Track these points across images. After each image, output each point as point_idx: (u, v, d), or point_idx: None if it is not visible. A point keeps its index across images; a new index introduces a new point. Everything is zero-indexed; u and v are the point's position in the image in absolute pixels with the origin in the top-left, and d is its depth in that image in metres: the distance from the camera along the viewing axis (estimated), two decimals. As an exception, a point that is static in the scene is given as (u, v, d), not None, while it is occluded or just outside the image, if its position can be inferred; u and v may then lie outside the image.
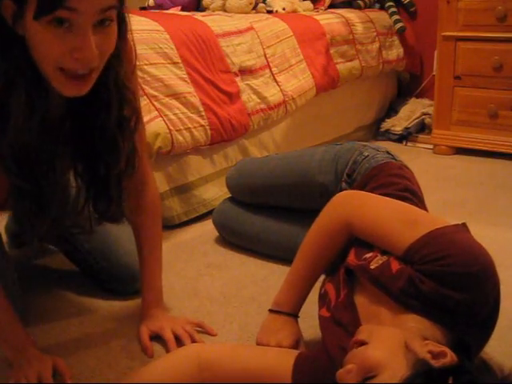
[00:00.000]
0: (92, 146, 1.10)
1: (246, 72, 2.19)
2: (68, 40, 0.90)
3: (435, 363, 0.84)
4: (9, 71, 0.94)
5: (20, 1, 0.90)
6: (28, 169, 1.01)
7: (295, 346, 1.16)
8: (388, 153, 1.41)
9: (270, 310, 1.22)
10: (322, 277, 1.21)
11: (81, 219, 1.17)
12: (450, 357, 0.85)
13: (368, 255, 1.07)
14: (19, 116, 0.96)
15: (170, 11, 2.71)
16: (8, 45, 0.94)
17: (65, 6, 0.87)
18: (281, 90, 2.33)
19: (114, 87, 1.05)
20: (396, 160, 1.39)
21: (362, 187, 1.30)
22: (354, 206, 1.15)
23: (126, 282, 1.45)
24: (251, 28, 2.29)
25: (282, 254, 1.64)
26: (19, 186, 1.02)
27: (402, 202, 1.16)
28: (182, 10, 2.78)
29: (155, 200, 1.35)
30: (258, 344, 1.18)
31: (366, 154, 1.40)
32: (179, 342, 1.22)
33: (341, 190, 1.38)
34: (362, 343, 0.91)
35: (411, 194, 1.23)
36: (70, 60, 0.92)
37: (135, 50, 1.17)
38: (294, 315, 1.21)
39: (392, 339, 0.90)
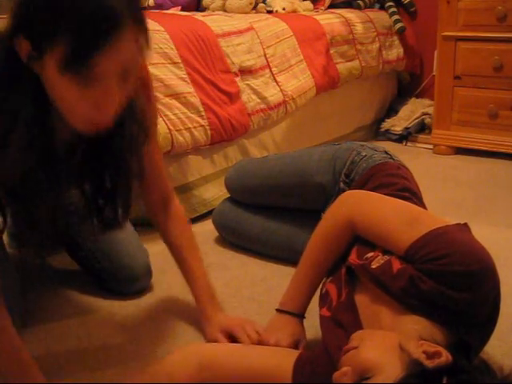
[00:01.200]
0: (101, 165, 1.09)
1: (245, 72, 2.19)
2: (92, 95, 0.90)
3: (429, 363, 0.84)
4: (15, 103, 0.93)
5: (39, 46, 0.88)
6: (22, 192, 1.00)
7: (294, 346, 1.16)
8: (386, 152, 1.41)
9: (277, 310, 1.23)
10: (322, 277, 1.21)
11: (85, 229, 1.18)
12: (445, 357, 0.85)
13: (369, 255, 1.07)
14: (17, 150, 0.94)
15: (170, 11, 2.71)
16: (19, 78, 0.93)
17: (93, 62, 0.86)
18: (281, 90, 2.33)
19: (128, 113, 1.03)
20: (394, 160, 1.39)
21: (360, 187, 1.30)
22: (356, 205, 1.15)
23: (127, 282, 1.45)
24: (251, 28, 2.29)
25: (281, 254, 1.64)
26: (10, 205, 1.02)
27: (404, 202, 1.16)
28: (182, 10, 2.78)
29: (180, 208, 1.35)
30: (259, 342, 1.18)
31: (364, 153, 1.40)
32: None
33: (339, 190, 1.38)
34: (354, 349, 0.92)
35: (411, 194, 1.23)
36: (96, 112, 0.92)
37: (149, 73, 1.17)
38: (299, 315, 1.21)
39: (385, 341, 0.90)
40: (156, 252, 1.50)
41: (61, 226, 1.12)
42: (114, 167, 1.10)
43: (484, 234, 1.10)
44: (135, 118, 1.07)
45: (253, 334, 1.19)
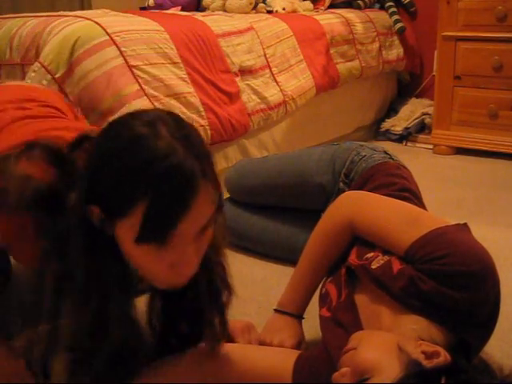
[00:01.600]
0: (178, 317, 1.05)
1: (245, 72, 2.19)
2: (168, 256, 0.85)
3: (428, 363, 0.84)
4: (99, 268, 0.88)
5: (112, 215, 0.84)
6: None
7: (297, 346, 1.16)
8: (385, 152, 1.42)
9: (275, 310, 1.23)
10: (323, 277, 1.21)
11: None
12: (444, 357, 0.85)
13: (369, 255, 1.07)
14: (116, 314, 0.90)
15: (170, 11, 2.71)
16: (95, 242, 0.88)
17: (173, 232, 0.82)
18: (281, 90, 2.33)
19: (204, 269, 0.96)
20: (393, 160, 1.39)
21: (359, 187, 1.30)
22: (356, 205, 1.15)
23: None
24: (251, 28, 2.29)
25: (281, 254, 1.64)
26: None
27: (404, 202, 1.16)
28: (182, 10, 2.78)
29: None
30: (260, 343, 1.18)
31: (364, 153, 1.40)
32: None
33: (338, 190, 1.38)
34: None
35: (410, 194, 1.23)
36: (172, 274, 0.88)
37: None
38: (298, 316, 1.21)
39: (384, 341, 0.90)
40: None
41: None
42: (193, 322, 1.05)
43: (484, 234, 1.10)
44: (213, 273, 1.01)
45: (252, 341, 1.17)
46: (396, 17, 3.13)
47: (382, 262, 1.03)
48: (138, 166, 0.80)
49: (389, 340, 0.90)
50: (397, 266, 1.00)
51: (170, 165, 0.80)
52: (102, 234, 0.87)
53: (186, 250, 0.86)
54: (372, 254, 1.07)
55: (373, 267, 1.03)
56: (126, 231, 0.84)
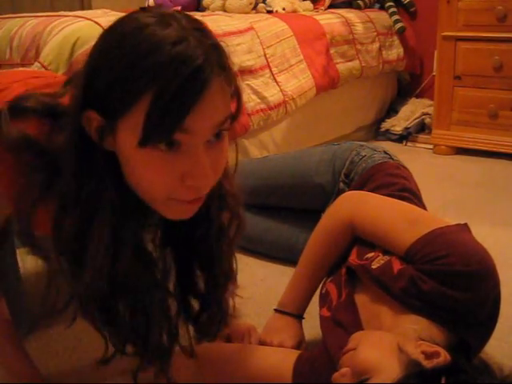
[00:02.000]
0: (187, 262, 0.95)
1: (245, 72, 2.19)
2: (178, 165, 0.74)
3: (428, 363, 0.84)
4: (92, 195, 0.77)
5: (112, 116, 0.73)
6: (116, 312, 0.85)
7: (297, 346, 1.16)
8: (385, 152, 1.42)
9: (275, 310, 1.23)
10: (322, 277, 1.21)
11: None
12: (444, 357, 0.85)
13: (370, 255, 1.07)
14: (97, 256, 0.79)
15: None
16: (91, 161, 0.77)
17: (181, 128, 0.72)
18: (281, 90, 2.33)
19: (217, 198, 0.88)
20: (393, 159, 1.39)
21: (360, 187, 1.31)
22: (356, 205, 1.15)
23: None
24: (251, 28, 2.29)
25: (281, 254, 1.64)
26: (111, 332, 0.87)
27: (404, 202, 1.16)
28: (182, 10, 2.78)
29: None
30: (260, 343, 1.18)
31: (363, 153, 1.40)
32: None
33: (338, 190, 1.38)
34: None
35: (410, 194, 1.23)
36: (182, 189, 0.76)
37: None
38: (299, 316, 1.21)
39: (383, 342, 0.90)
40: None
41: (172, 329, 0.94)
42: (205, 262, 0.95)
43: (484, 234, 1.10)
44: (225, 205, 0.92)
45: (253, 344, 1.15)
46: (396, 17, 3.13)
47: (382, 262, 1.03)
48: (142, 53, 0.70)
49: (389, 340, 0.90)
50: (397, 266, 1.00)
51: (178, 52, 0.70)
52: (100, 152, 0.77)
53: (199, 158, 0.74)
54: (372, 253, 1.07)
55: (373, 267, 1.03)
56: (129, 134, 0.73)
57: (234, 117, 0.80)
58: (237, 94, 0.82)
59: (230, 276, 1.00)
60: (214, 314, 0.99)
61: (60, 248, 0.83)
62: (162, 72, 0.70)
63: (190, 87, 0.70)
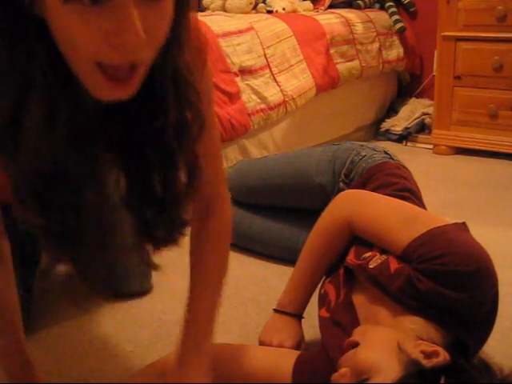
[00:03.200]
0: (142, 160, 0.82)
1: (245, 72, 2.19)
2: (102, 21, 0.64)
3: (427, 363, 0.84)
4: (25, 68, 0.69)
5: None
6: (50, 203, 0.76)
7: (297, 346, 1.16)
8: (385, 152, 1.42)
9: (275, 310, 1.23)
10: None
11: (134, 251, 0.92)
12: (443, 356, 0.85)
13: (367, 254, 1.07)
14: (32, 135, 0.71)
15: (170, 11, 2.71)
16: (22, 32, 0.69)
17: None
18: (281, 90, 2.33)
19: (172, 83, 0.77)
20: (393, 159, 1.39)
21: (360, 187, 1.31)
22: (354, 204, 1.16)
23: (128, 282, 1.45)
24: (251, 28, 2.29)
25: (281, 254, 1.64)
26: (41, 226, 0.78)
27: (402, 201, 1.16)
28: (182, 10, 2.78)
29: (222, 230, 1.10)
30: (260, 343, 1.18)
31: (364, 153, 1.40)
32: None
33: (338, 190, 1.38)
34: (355, 344, 0.92)
35: (410, 194, 1.23)
36: (108, 48, 0.66)
37: (205, 35, 0.87)
38: (298, 316, 1.21)
39: (384, 341, 0.90)
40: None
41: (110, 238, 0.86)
42: (160, 166, 0.83)
43: (484, 234, 1.10)
44: (186, 96, 0.80)
45: None
46: (396, 17, 3.13)
47: (379, 261, 1.03)
48: None
49: (389, 338, 0.90)
50: (394, 265, 1.00)
51: None
52: (31, 19, 0.67)
53: (126, 11, 0.63)
54: (370, 253, 1.07)
55: (370, 267, 1.03)
56: None
57: None
58: None
59: (193, 177, 0.87)
60: (170, 222, 0.89)
61: None
62: None
63: None
